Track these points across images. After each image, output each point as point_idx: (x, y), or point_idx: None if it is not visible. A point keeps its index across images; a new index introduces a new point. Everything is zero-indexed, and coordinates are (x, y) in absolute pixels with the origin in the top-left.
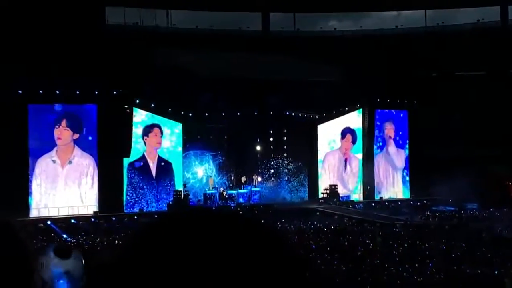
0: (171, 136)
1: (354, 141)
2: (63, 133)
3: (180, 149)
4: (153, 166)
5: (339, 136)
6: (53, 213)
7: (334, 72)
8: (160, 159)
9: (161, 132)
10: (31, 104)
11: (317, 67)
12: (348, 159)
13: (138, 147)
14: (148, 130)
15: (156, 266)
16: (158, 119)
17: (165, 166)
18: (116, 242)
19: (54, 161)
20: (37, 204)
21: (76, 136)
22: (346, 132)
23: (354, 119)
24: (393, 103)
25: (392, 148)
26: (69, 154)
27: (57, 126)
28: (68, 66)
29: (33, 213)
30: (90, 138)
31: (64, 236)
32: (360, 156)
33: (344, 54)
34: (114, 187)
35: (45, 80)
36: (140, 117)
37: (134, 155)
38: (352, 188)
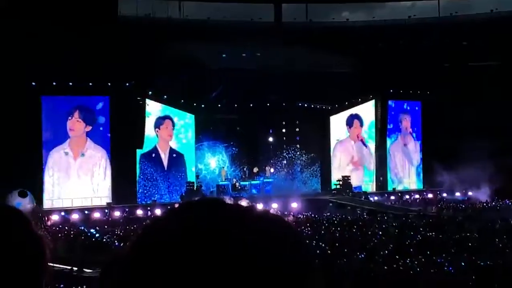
0: (183, 127)
1: (362, 124)
2: (75, 125)
3: (192, 140)
4: (165, 157)
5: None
6: (66, 204)
7: (347, 63)
8: (172, 151)
9: (173, 124)
10: (44, 96)
11: (330, 58)
12: (363, 140)
13: (150, 138)
14: (159, 122)
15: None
16: (170, 110)
17: (177, 158)
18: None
19: (66, 153)
20: (50, 196)
21: (89, 128)
22: (352, 119)
23: (367, 110)
24: (406, 94)
25: (407, 139)
26: (82, 147)
27: (70, 118)
28: (81, 57)
29: (47, 205)
30: (102, 129)
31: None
32: (373, 145)
33: (356, 44)
34: (127, 179)
35: (58, 72)
36: (153, 108)
37: (146, 147)
38: (373, 168)
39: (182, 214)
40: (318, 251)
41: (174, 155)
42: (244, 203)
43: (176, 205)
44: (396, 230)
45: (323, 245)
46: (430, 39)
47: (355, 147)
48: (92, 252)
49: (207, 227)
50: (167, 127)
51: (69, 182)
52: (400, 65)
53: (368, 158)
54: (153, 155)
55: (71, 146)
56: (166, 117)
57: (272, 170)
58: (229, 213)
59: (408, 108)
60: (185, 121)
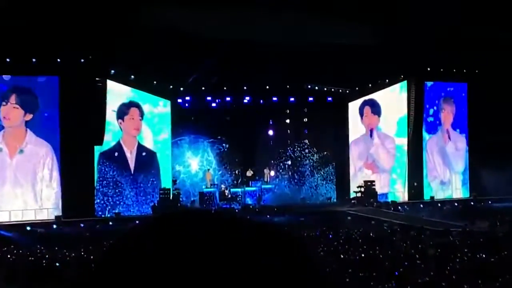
0: (155, 118)
1: (376, 112)
2: (11, 112)
3: (167, 134)
4: (131, 157)
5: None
6: (2, 218)
7: (369, 33)
8: (140, 148)
9: (141, 114)
10: None
11: (346, 27)
12: (373, 130)
13: (113, 132)
14: (123, 111)
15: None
16: (139, 95)
17: (147, 157)
18: (85, 255)
19: (0, 150)
20: None
21: (29, 116)
22: (363, 106)
23: (395, 95)
24: (448, 74)
25: (449, 133)
26: (20, 141)
27: (4, 104)
28: (22, 26)
29: None
30: (47, 119)
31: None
32: (401, 141)
33: (381, 9)
34: (82, 185)
35: None
36: (116, 93)
37: (107, 143)
38: (388, 168)
39: (152, 236)
40: (333, 278)
41: (144, 153)
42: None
43: (145, 220)
44: (438, 251)
45: (339, 270)
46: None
47: (373, 150)
48: (38, 280)
49: (187, 252)
50: (132, 118)
51: (4, 188)
52: (439, 36)
53: (383, 157)
54: (116, 154)
55: (6, 140)
56: (132, 104)
57: (272, 173)
58: (216, 231)
59: (452, 91)
60: (158, 109)
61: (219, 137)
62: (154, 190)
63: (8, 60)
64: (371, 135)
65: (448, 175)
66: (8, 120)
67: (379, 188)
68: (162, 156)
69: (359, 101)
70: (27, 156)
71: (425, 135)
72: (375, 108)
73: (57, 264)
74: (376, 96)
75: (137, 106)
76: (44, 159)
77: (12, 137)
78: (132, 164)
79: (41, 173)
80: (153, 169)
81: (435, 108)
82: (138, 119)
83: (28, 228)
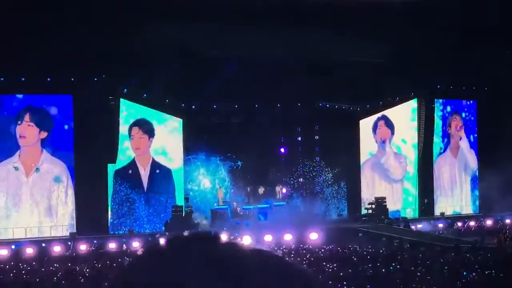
0: (167, 135)
1: (389, 126)
2: (26, 130)
3: (180, 152)
4: (144, 174)
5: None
6: (18, 235)
7: (381, 52)
8: (155, 166)
9: (146, 132)
10: None
11: (359, 44)
12: (386, 140)
13: (127, 150)
14: (128, 130)
15: None
16: (151, 113)
17: (161, 175)
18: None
19: (16, 168)
20: None
21: (44, 134)
22: (377, 120)
23: (406, 112)
24: (457, 92)
25: (459, 148)
26: (36, 159)
27: (19, 123)
28: (37, 46)
29: None
30: (62, 137)
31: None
32: (412, 158)
33: (393, 27)
34: (95, 202)
35: (7, 64)
36: (129, 111)
37: (122, 161)
38: (399, 178)
39: (160, 266)
40: None
41: (158, 171)
42: (247, 240)
43: (153, 246)
44: (445, 267)
45: (350, 285)
46: (489, 16)
47: (383, 160)
48: None
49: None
50: (133, 137)
51: (21, 205)
52: (449, 53)
53: (395, 166)
54: (130, 171)
55: (22, 159)
56: (134, 124)
57: (284, 190)
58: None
59: (461, 108)
60: (170, 127)
61: (230, 154)
62: (167, 207)
63: (22, 79)
64: (383, 143)
65: (458, 192)
66: (24, 139)
67: (392, 204)
68: (175, 173)
69: (373, 117)
70: (42, 175)
71: (435, 152)
72: (389, 122)
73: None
74: (388, 113)
75: (138, 124)
76: (59, 177)
77: (28, 156)
78: (145, 182)
79: (57, 192)
80: (167, 186)
81: (445, 125)
82: (138, 137)
83: (43, 244)
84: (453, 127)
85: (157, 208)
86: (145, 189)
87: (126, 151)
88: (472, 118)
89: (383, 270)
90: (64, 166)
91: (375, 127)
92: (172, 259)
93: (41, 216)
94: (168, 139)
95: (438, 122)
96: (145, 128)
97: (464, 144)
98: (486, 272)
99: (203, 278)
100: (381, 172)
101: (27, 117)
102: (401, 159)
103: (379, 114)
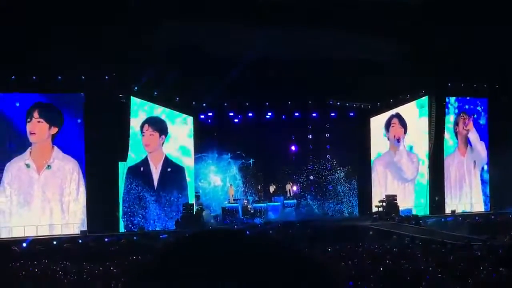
0: (178, 133)
1: (403, 125)
2: (36, 127)
3: (190, 150)
4: (156, 172)
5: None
6: (29, 233)
7: (391, 49)
8: (167, 163)
9: (160, 129)
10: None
11: (368, 42)
12: (400, 138)
13: (140, 147)
14: (140, 127)
15: None
16: (162, 111)
17: (172, 173)
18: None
19: (28, 166)
20: (7, 222)
21: (55, 130)
22: (391, 118)
23: (417, 110)
24: (468, 89)
25: (468, 146)
26: (47, 157)
27: (28, 120)
28: (48, 45)
29: (3, 233)
30: (73, 134)
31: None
32: (422, 156)
33: (403, 24)
34: (106, 200)
35: (18, 64)
36: (139, 109)
37: (133, 159)
38: (412, 177)
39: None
40: None
41: (169, 169)
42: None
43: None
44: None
45: (361, 284)
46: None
47: (397, 159)
48: None
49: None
50: (144, 134)
51: (32, 203)
52: (460, 50)
53: (408, 165)
54: (142, 169)
55: (34, 157)
56: (145, 121)
57: (294, 188)
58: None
59: (472, 106)
60: (180, 125)
61: (241, 152)
62: (178, 205)
63: (34, 77)
64: (398, 142)
65: (469, 189)
66: (34, 135)
67: (404, 202)
68: (186, 171)
69: (384, 115)
70: (54, 172)
71: (446, 150)
72: (402, 121)
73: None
74: (400, 111)
75: (149, 122)
76: (70, 174)
77: (39, 153)
78: (155, 179)
79: (68, 189)
80: (179, 184)
81: (455, 123)
82: (148, 134)
83: (54, 242)
84: (461, 124)
85: (168, 206)
86: (155, 187)
87: (141, 149)
88: (483, 116)
89: (394, 268)
90: (76, 163)
91: (388, 125)
92: (203, 249)
93: (53, 214)
94: (179, 137)
95: (448, 120)
96: (156, 125)
97: (473, 135)
98: (499, 270)
99: (230, 270)
100: (394, 170)
101: (36, 113)
102: (414, 157)
103: (392, 112)
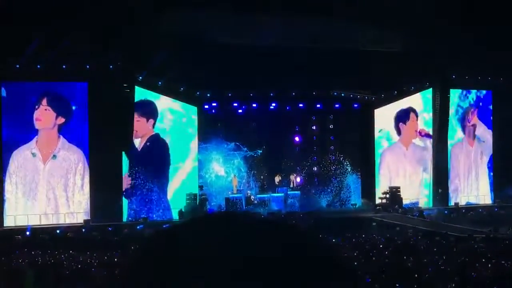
0: (182, 123)
1: (418, 118)
2: (43, 114)
3: (194, 140)
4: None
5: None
6: (33, 221)
7: (395, 41)
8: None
9: (148, 113)
10: (5, 82)
11: (373, 33)
12: (429, 133)
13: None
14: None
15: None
16: (165, 101)
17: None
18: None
19: (34, 154)
20: (13, 211)
21: (61, 120)
22: (408, 112)
23: (421, 102)
24: (473, 81)
25: (473, 139)
26: (53, 146)
27: (36, 107)
28: (52, 33)
29: (8, 222)
30: (78, 124)
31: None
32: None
33: (407, 15)
34: (110, 190)
35: (23, 52)
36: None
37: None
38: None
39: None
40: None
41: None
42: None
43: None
44: (459, 257)
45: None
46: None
47: (408, 153)
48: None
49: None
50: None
51: (37, 192)
52: (464, 42)
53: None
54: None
55: (39, 145)
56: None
57: (298, 179)
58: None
59: (476, 98)
60: (185, 115)
61: (245, 143)
62: (181, 195)
63: (38, 66)
64: (421, 135)
65: (472, 182)
66: (40, 122)
67: (408, 194)
68: (189, 161)
69: (394, 106)
70: (59, 162)
71: (450, 142)
72: (417, 114)
73: (85, 267)
74: (409, 103)
75: (135, 107)
76: (75, 164)
77: (45, 142)
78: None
79: (73, 179)
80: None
81: (459, 115)
82: (136, 121)
83: (58, 231)
84: (467, 117)
85: (172, 196)
86: (159, 177)
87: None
88: (488, 108)
89: (397, 259)
90: (82, 154)
91: (405, 118)
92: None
93: (58, 203)
94: (183, 127)
95: (453, 112)
96: (142, 110)
97: (479, 127)
98: (502, 262)
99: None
100: (400, 162)
101: (44, 101)
102: (421, 149)
103: (403, 103)
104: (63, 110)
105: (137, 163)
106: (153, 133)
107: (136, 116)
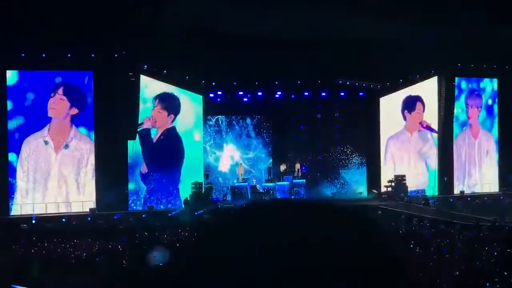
0: (187, 112)
1: (424, 109)
2: (57, 103)
3: (199, 128)
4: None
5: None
6: (41, 210)
7: (400, 29)
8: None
9: (170, 108)
10: (12, 71)
11: (378, 22)
12: (429, 125)
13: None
14: (154, 101)
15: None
16: (171, 90)
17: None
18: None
19: (46, 143)
20: (23, 199)
21: (75, 111)
22: (414, 101)
23: (426, 90)
24: (478, 70)
25: (478, 128)
26: (65, 135)
27: (52, 95)
28: (57, 23)
29: (16, 210)
30: (86, 114)
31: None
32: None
33: (412, 5)
34: (115, 178)
35: (30, 41)
36: (149, 88)
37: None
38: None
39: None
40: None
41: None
42: None
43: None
44: (465, 245)
45: None
46: None
47: (413, 140)
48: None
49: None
50: (154, 109)
51: (48, 181)
52: (469, 30)
53: (433, 151)
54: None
55: (52, 134)
56: (157, 97)
57: (303, 168)
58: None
59: (482, 87)
60: (191, 104)
61: (250, 131)
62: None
63: (44, 55)
64: (426, 128)
65: (478, 170)
66: (54, 110)
67: (414, 183)
68: (195, 150)
69: (401, 95)
70: (71, 151)
71: (455, 130)
72: (424, 105)
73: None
74: (415, 91)
75: (160, 98)
76: (87, 154)
77: (57, 131)
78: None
79: (85, 168)
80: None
81: (465, 103)
82: (157, 111)
83: (63, 220)
84: (473, 105)
85: (176, 185)
86: (165, 166)
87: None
88: (493, 97)
89: (402, 248)
90: (91, 143)
91: (412, 108)
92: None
93: (69, 192)
94: (188, 116)
95: (458, 101)
96: (166, 103)
97: (483, 122)
98: (507, 251)
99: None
100: (405, 149)
101: (61, 90)
102: (426, 138)
103: (409, 92)
104: (77, 102)
105: (151, 153)
106: (171, 125)
107: (159, 107)
